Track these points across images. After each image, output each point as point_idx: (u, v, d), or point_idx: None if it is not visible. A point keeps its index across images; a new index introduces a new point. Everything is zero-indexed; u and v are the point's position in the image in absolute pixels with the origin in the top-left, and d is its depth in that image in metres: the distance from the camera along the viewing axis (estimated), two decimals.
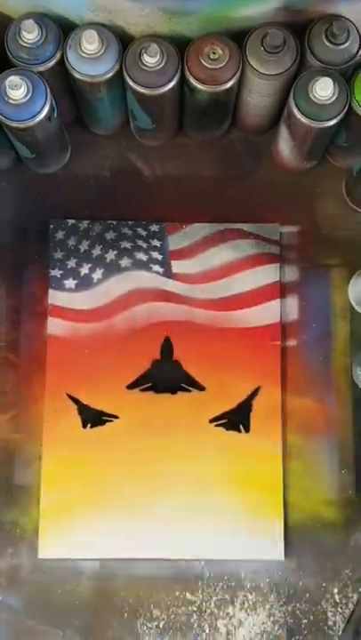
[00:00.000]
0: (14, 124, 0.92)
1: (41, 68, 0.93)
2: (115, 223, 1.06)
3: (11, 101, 0.91)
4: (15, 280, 1.05)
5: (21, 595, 1.00)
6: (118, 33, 0.94)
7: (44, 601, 0.99)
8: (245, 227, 1.07)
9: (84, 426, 1.03)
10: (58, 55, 0.94)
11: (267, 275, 1.06)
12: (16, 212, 1.07)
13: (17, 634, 0.99)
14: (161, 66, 0.93)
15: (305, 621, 0.99)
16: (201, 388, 1.04)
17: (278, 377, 1.03)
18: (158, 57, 0.92)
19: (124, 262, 1.06)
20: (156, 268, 1.06)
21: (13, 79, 0.89)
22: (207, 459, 1.02)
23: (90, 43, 0.92)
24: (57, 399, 1.03)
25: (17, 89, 0.90)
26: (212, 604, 1.00)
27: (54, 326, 1.04)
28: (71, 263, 1.05)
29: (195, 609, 0.99)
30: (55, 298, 1.04)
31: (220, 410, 1.03)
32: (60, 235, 1.06)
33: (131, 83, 0.94)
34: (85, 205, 1.07)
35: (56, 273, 1.05)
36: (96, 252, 1.06)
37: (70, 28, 0.95)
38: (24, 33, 0.92)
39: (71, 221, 1.07)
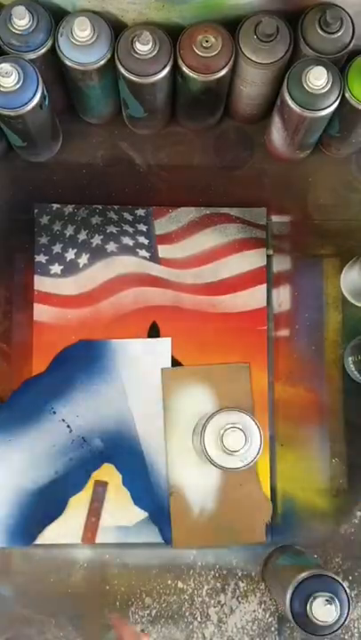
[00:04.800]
0: (5, 112, 0.92)
1: (32, 56, 0.92)
2: (100, 208, 1.06)
3: (2, 89, 0.90)
4: (6, 269, 1.04)
5: (14, 583, 1.00)
6: (111, 20, 0.94)
7: (36, 590, 0.99)
8: (232, 211, 1.06)
9: None
10: (49, 42, 0.93)
11: (253, 260, 1.05)
12: (7, 200, 1.06)
13: (9, 622, 0.99)
14: (153, 54, 0.92)
15: None
16: None
17: (265, 362, 1.03)
18: (151, 45, 0.91)
19: (110, 247, 1.05)
20: (143, 252, 1.05)
21: (4, 66, 0.89)
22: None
23: (82, 30, 0.91)
24: None
25: (8, 76, 0.89)
26: (204, 593, 1.00)
27: (40, 313, 1.03)
28: (56, 248, 1.04)
29: (186, 597, 0.99)
30: (41, 284, 1.03)
31: None
32: (44, 219, 1.05)
33: (123, 71, 0.93)
34: (77, 194, 1.07)
35: (41, 258, 1.04)
36: (82, 236, 1.05)
37: (62, 14, 0.94)
38: (15, 19, 0.91)
39: (56, 206, 1.05)
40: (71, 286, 1.03)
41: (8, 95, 0.90)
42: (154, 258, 1.05)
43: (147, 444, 1.01)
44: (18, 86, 0.90)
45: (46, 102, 0.95)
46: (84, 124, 1.08)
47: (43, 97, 0.93)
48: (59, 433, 1.01)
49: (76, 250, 1.04)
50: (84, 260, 1.04)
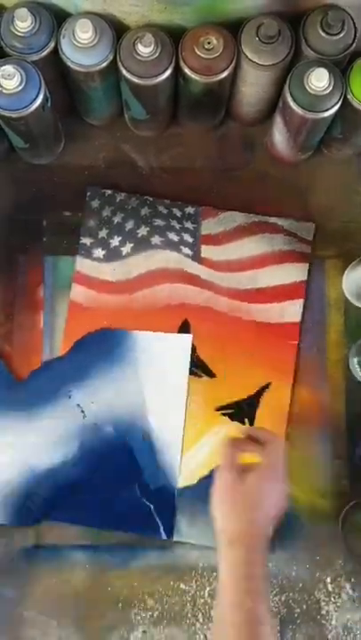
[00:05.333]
0: (8, 114, 0.92)
1: (34, 58, 0.93)
2: (151, 199, 1.05)
3: (4, 91, 0.90)
4: (8, 271, 1.03)
5: (16, 585, 1.00)
6: (113, 22, 0.94)
7: (38, 591, 0.98)
8: (280, 222, 1.06)
9: None
10: (52, 44, 0.93)
11: (294, 273, 1.05)
12: (9, 202, 1.05)
13: (12, 623, 0.99)
14: (155, 56, 0.92)
15: (298, 611, 1.00)
16: (212, 375, 1.03)
17: (291, 376, 1.02)
18: (153, 47, 0.92)
19: (155, 240, 1.05)
20: (186, 250, 1.05)
21: (7, 69, 0.89)
22: (208, 445, 1.02)
23: (84, 32, 0.91)
24: None
25: (10, 78, 0.89)
26: (206, 594, 1.00)
27: (77, 293, 1.03)
28: (102, 233, 1.04)
29: (189, 599, 0.98)
30: (82, 265, 1.02)
31: (227, 399, 1.03)
32: (95, 203, 1.05)
33: (125, 72, 0.94)
34: (79, 196, 1.07)
35: (86, 241, 1.04)
36: (129, 225, 1.05)
37: (64, 16, 0.94)
38: (17, 22, 0.91)
39: (108, 192, 1.06)
40: (110, 272, 1.02)
41: (10, 97, 0.91)
42: (196, 257, 1.04)
43: (159, 439, 1.01)
44: (20, 88, 0.90)
45: (48, 104, 0.95)
46: (86, 126, 1.09)
47: (45, 99, 0.93)
48: (73, 417, 1.01)
49: (121, 237, 1.03)
50: (127, 248, 1.03)
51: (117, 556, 1.00)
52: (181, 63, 0.93)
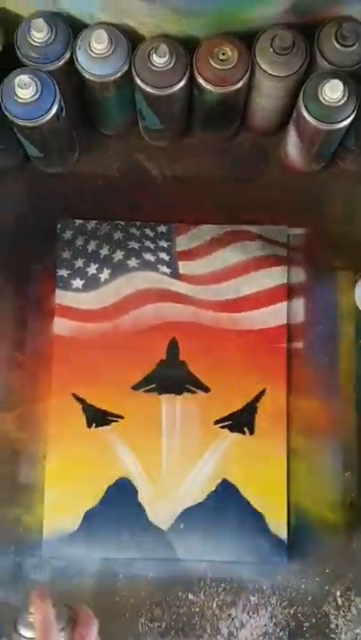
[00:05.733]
0: (23, 123, 0.92)
1: (50, 68, 0.93)
2: (122, 224, 1.06)
3: (20, 100, 0.91)
4: (22, 279, 1.03)
5: (24, 593, 0.99)
6: (128, 33, 0.95)
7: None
8: (253, 228, 1.06)
9: (89, 425, 1.02)
10: (67, 55, 0.94)
11: (274, 277, 1.05)
12: (24, 211, 1.05)
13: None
14: (170, 66, 0.93)
15: (307, 624, 0.99)
16: (206, 390, 1.03)
17: (284, 379, 1.03)
18: (167, 57, 0.92)
19: (132, 263, 1.06)
20: (164, 268, 1.05)
21: (23, 78, 0.90)
22: (211, 460, 1.02)
23: (99, 42, 0.92)
24: (62, 398, 1.03)
25: (26, 88, 0.90)
26: (215, 606, 0.99)
27: (61, 326, 1.04)
28: (78, 263, 1.05)
29: (197, 610, 0.98)
30: (62, 297, 1.04)
31: (225, 412, 1.03)
32: (67, 234, 1.06)
33: (140, 83, 0.94)
34: (93, 205, 1.07)
35: (63, 273, 1.05)
36: (104, 252, 1.06)
37: (80, 27, 0.95)
38: (34, 32, 0.92)
39: (79, 221, 1.06)
40: (92, 301, 1.03)
41: (26, 106, 0.91)
42: (175, 274, 1.05)
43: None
44: (36, 97, 0.91)
45: (63, 114, 0.96)
46: (100, 136, 1.09)
47: (60, 108, 0.94)
48: None
49: (97, 265, 1.04)
50: (105, 275, 1.04)
51: (125, 566, 1.00)
52: (196, 74, 0.94)
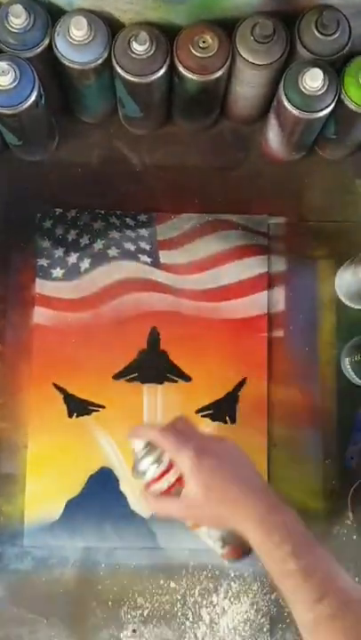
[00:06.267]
0: (1, 110, 0.92)
1: (29, 54, 0.92)
2: (103, 212, 1.06)
3: None
4: (2, 268, 1.02)
5: (6, 583, 1.00)
6: (108, 20, 0.94)
7: (28, 589, 0.97)
8: (234, 218, 1.06)
9: (70, 415, 1.02)
10: (46, 41, 0.93)
11: (254, 266, 1.05)
12: (2, 199, 1.04)
13: (1, 622, 0.99)
14: (150, 54, 0.92)
15: (288, 610, 0.99)
16: (187, 379, 1.03)
17: (265, 368, 1.03)
18: (148, 45, 0.92)
19: (112, 252, 1.05)
20: (144, 257, 1.05)
21: (1, 65, 0.89)
22: None
23: (78, 29, 0.91)
24: (43, 388, 1.02)
25: (4, 75, 0.89)
26: (196, 593, 1.00)
27: (40, 315, 1.03)
28: (58, 252, 1.05)
29: (179, 597, 0.98)
30: (42, 287, 1.03)
31: (206, 400, 1.03)
32: (47, 223, 1.05)
33: (119, 70, 0.93)
34: (72, 193, 1.06)
35: (43, 262, 1.04)
36: (84, 241, 1.05)
37: (59, 13, 0.94)
38: (12, 18, 0.91)
39: (59, 210, 1.06)
40: (72, 290, 1.02)
41: (4, 93, 0.90)
42: (155, 263, 1.05)
43: None
44: (14, 85, 0.90)
45: (42, 101, 0.95)
46: (80, 124, 1.08)
47: (39, 95, 0.93)
48: None
49: (77, 254, 1.03)
50: (85, 264, 1.03)
51: (107, 554, 1.00)
52: (176, 61, 0.93)
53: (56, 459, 1.01)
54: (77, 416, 1.02)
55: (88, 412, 1.02)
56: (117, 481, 1.01)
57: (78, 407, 1.02)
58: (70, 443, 1.01)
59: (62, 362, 1.03)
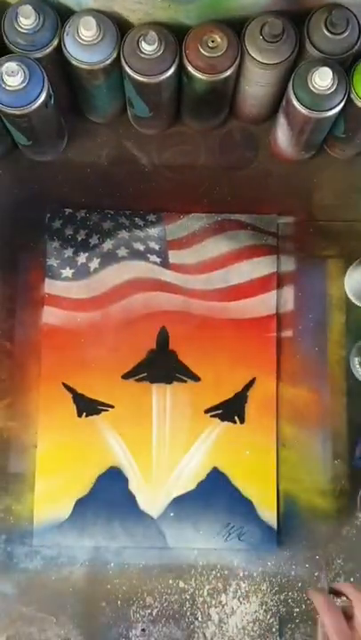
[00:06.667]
0: (11, 111, 0.91)
1: (38, 55, 0.92)
2: (112, 213, 1.05)
3: (7, 88, 0.90)
4: (11, 268, 1.02)
5: (15, 582, 1.00)
6: (116, 20, 0.94)
7: (37, 588, 0.97)
8: (243, 218, 1.06)
9: (80, 414, 1.02)
10: (55, 41, 0.93)
11: (264, 266, 1.05)
12: (12, 199, 1.04)
13: (10, 620, 0.98)
14: (159, 54, 0.92)
15: (297, 610, 1.00)
16: (196, 379, 1.03)
17: (274, 368, 1.03)
18: (157, 45, 0.91)
19: (121, 252, 1.05)
20: (154, 257, 1.05)
21: (10, 65, 0.89)
22: (202, 449, 1.02)
23: (87, 29, 0.91)
24: (52, 388, 1.02)
25: (14, 75, 0.89)
26: (205, 593, 0.99)
27: (50, 315, 1.03)
28: (68, 252, 1.04)
29: (188, 597, 0.97)
30: (51, 287, 1.02)
31: (215, 400, 1.02)
32: (56, 224, 1.05)
33: (128, 70, 0.93)
34: (82, 193, 1.06)
35: (52, 262, 1.04)
36: (93, 241, 1.05)
37: (68, 14, 0.94)
38: (21, 18, 0.91)
39: (68, 210, 1.05)
40: (82, 290, 1.02)
41: (14, 94, 0.90)
42: (164, 263, 1.03)
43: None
44: (24, 85, 0.90)
45: (52, 101, 0.95)
46: (89, 123, 1.08)
47: (48, 96, 0.93)
48: None
49: (87, 254, 1.03)
50: (95, 264, 1.03)
51: (116, 554, 1.00)
52: (185, 61, 0.93)
53: (65, 458, 1.00)
54: (87, 415, 1.02)
55: (97, 412, 1.02)
56: (126, 480, 1.00)
57: (87, 407, 1.02)
58: (79, 442, 1.01)
59: (71, 361, 1.02)
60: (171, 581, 0.97)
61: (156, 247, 1.04)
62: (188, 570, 0.97)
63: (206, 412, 1.02)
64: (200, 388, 1.02)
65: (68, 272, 1.03)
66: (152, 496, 1.00)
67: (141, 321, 1.03)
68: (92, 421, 1.02)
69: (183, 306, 1.03)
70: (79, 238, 1.04)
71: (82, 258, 1.04)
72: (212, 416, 1.02)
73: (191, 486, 1.00)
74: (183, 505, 1.00)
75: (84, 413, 1.02)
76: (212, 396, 1.02)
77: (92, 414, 1.02)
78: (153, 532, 0.99)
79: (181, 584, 0.99)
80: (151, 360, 1.03)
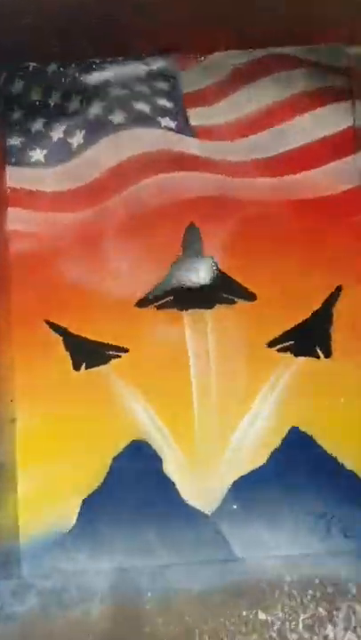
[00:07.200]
0: None
1: None
2: (98, 62, 0.81)
3: None
4: None
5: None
6: None
7: (43, 631, 0.72)
8: (294, 51, 0.81)
9: (77, 367, 0.77)
10: None
11: (332, 119, 0.80)
12: None
13: None
14: None
15: None
16: (250, 297, 0.78)
17: None
18: None
19: (117, 117, 0.82)
20: (166, 121, 0.82)
21: None
22: (270, 402, 0.76)
23: None
24: (31, 329, 0.78)
25: None
26: (301, 625, 0.69)
27: (17, 220, 0.79)
28: (37, 125, 0.82)
29: (273, 635, 0.69)
30: (17, 177, 0.80)
31: (282, 327, 0.77)
32: (17, 86, 0.81)
33: None
34: (53, 38, 0.78)
35: (15, 141, 0.81)
36: (73, 105, 0.82)
37: None
38: None
39: (33, 65, 0.81)
40: (61, 178, 0.81)
41: None
42: (182, 127, 0.82)
43: None
44: None
45: None
46: None
47: None
48: None
49: (65, 125, 0.82)
50: (78, 138, 0.83)
51: (153, 577, 0.71)
52: None
53: (60, 435, 0.75)
54: (88, 367, 0.77)
55: (104, 361, 0.77)
56: (159, 460, 0.74)
57: (89, 354, 0.77)
58: (80, 409, 0.76)
59: (58, 289, 0.78)
60: (244, 612, 0.71)
61: (169, 105, 0.82)
62: (269, 592, 0.71)
63: (271, 344, 0.77)
64: (257, 311, 0.78)
65: (39, 154, 0.82)
66: (201, 480, 0.75)
67: (157, 217, 0.80)
68: (98, 375, 0.78)
69: (218, 188, 0.81)
70: (52, 103, 0.82)
71: (58, 131, 0.82)
72: (280, 350, 0.77)
73: (260, 460, 0.76)
74: (251, 490, 0.76)
75: (84, 364, 0.76)
76: (276, 322, 0.78)
77: (96, 364, 0.76)
78: (208, 535, 0.74)
79: (261, 615, 0.70)
80: (178, 275, 0.80)
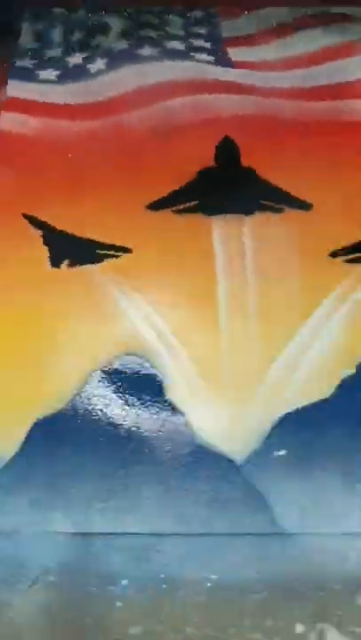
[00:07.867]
0: None
1: None
2: (129, 11, 0.82)
3: None
4: None
5: None
6: None
7: None
8: (351, 11, 0.79)
9: (56, 263, 0.60)
10: None
11: None
12: None
13: None
14: None
15: None
16: (305, 206, 0.64)
17: None
18: None
19: (145, 51, 0.82)
20: (202, 55, 0.78)
21: None
22: (333, 324, 0.59)
23: None
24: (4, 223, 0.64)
25: None
26: None
27: (9, 122, 0.72)
28: (53, 52, 0.82)
29: None
30: (20, 89, 0.77)
31: (348, 236, 0.63)
32: (37, 25, 0.81)
33: None
34: None
35: (25, 63, 0.79)
36: (97, 41, 0.80)
37: None
38: None
39: (59, 10, 0.82)
40: (72, 94, 0.75)
41: None
42: (221, 61, 0.77)
43: None
44: None
45: None
46: None
47: None
48: None
49: (86, 54, 0.83)
50: (99, 64, 0.82)
51: (148, 549, 0.51)
52: None
53: (14, 337, 0.57)
54: (71, 265, 0.60)
55: (95, 259, 0.60)
56: (159, 382, 0.55)
57: (73, 249, 0.61)
58: (56, 309, 0.57)
59: (42, 182, 0.68)
60: (282, 624, 0.46)
61: (206, 45, 0.79)
62: (331, 582, 0.45)
63: (333, 255, 0.62)
64: (315, 220, 0.66)
65: (49, 74, 0.81)
66: (227, 413, 0.56)
67: (186, 130, 0.71)
68: (83, 274, 0.60)
69: (260, 107, 0.71)
70: (74, 39, 0.81)
71: (77, 58, 0.80)
72: (346, 261, 0.63)
73: (318, 393, 0.56)
74: (305, 432, 0.57)
75: (67, 261, 0.60)
76: (339, 230, 0.65)
77: (82, 262, 0.60)
78: (237, 495, 0.54)
79: (300, 628, 0.49)
80: (206, 182, 0.64)
